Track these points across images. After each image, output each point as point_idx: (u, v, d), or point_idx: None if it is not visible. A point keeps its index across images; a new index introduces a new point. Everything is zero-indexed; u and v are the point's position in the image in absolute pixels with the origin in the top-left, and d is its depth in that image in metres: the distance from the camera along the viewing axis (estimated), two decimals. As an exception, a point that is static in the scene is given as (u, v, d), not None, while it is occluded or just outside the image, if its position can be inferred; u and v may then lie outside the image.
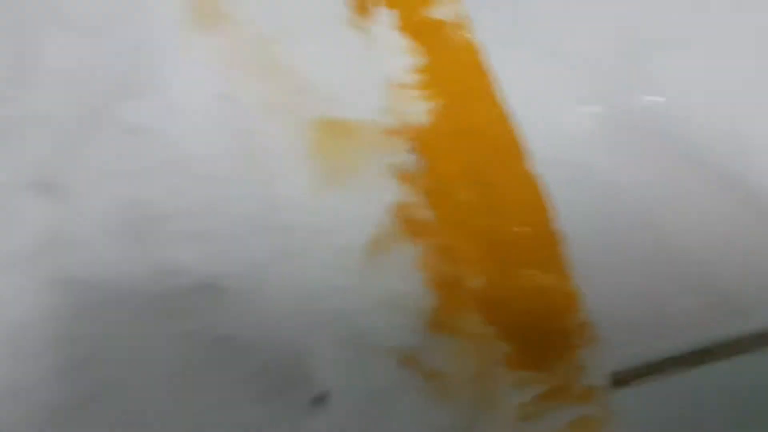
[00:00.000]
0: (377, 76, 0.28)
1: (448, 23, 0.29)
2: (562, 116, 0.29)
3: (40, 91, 0.27)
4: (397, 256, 0.26)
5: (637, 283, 0.27)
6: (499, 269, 0.26)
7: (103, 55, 0.28)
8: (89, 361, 0.24)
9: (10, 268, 0.24)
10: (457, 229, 0.27)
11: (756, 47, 0.29)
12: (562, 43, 0.30)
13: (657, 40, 0.29)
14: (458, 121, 0.28)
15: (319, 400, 0.24)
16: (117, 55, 0.28)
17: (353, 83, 0.28)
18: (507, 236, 0.27)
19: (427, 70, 0.29)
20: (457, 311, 0.26)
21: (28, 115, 0.26)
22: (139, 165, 0.26)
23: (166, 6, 0.29)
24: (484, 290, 0.26)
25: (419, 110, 0.28)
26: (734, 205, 0.28)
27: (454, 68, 0.29)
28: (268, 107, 0.28)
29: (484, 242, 0.27)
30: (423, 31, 0.29)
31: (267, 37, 0.29)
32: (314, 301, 0.25)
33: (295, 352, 0.25)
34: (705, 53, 0.29)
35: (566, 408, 0.25)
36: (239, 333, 0.25)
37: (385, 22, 0.29)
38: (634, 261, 0.27)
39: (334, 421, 0.24)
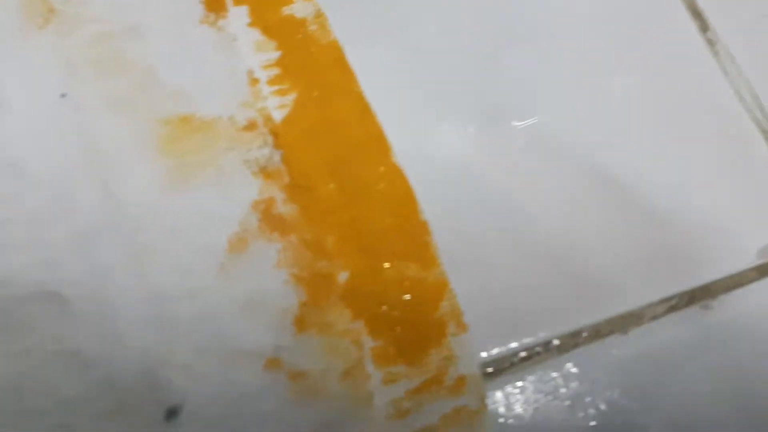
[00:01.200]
0: (232, 73, 0.27)
1: (305, 19, 0.29)
2: (423, 110, 0.29)
3: None
4: (259, 254, 0.25)
5: (504, 272, 0.27)
6: (366, 262, 0.25)
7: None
8: None
9: None
10: (320, 223, 0.26)
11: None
12: (423, 42, 0.30)
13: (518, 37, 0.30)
14: (318, 114, 0.27)
15: (174, 413, 0.22)
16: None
17: (207, 79, 0.27)
18: (373, 228, 0.26)
19: (283, 65, 0.28)
20: (324, 307, 0.25)
21: None
22: (-34, 169, 0.24)
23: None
24: (351, 284, 0.25)
25: (275, 105, 0.27)
26: (597, 195, 0.28)
27: (311, 63, 0.28)
28: (113, 105, 0.26)
29: (350, 235, 0.26)
30: (279, 27, 0.29)
31: (113, 35, 0.27)
32: (168, 306, 0.23)
33: (148, 363, 0.23)
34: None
35: (440, 400, 0.24)
36: (85, 345, 0.23)
37: (239, 19, 0.28)
38: (500, 250, 0.27)
39: (192, 432, 0.22)
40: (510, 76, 0.29)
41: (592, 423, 0.26)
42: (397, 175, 0.27)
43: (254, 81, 0.27)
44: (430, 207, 0.27)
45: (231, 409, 0.23)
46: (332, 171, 0.27)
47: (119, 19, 0.28)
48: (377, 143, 0.27)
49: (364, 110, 0.28)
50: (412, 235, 0.26)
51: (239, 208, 0.25)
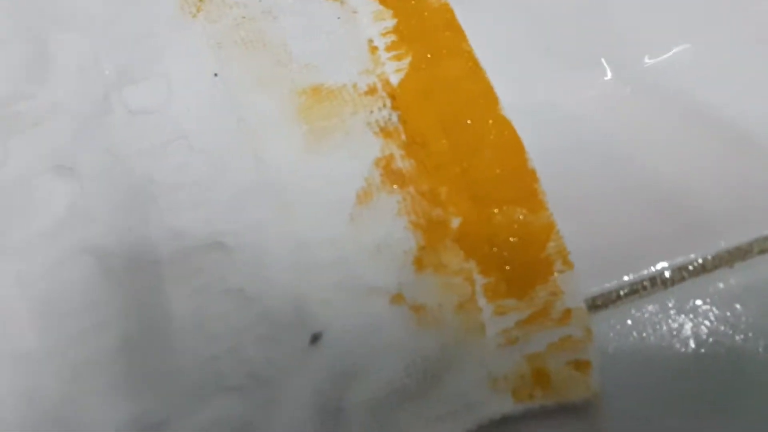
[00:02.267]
0: (354, 43, 0.31)
1: (418, -14, 0.31)
2: (528, 62, 0.31)
3: (53, 85, 0.30)
4: (382, 205, 0.29)
5: (609, 212, 0.29)
6: (477, 209, 0.28)
7: (106, 49, 0.31)
8: (115, 322, 0.28)
9: (38, 243, 0.28)
10: (434, 175, 0.29)
11: None
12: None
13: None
14: (431, 75, 0.30)
15: (316, 338, 0.27)
16: (118, 48, 0.31)
17: (333, 51, 0.31)
18: (483, 178, 0.29)
19: (399, 32, 0.31)
20: (440, 250, 0.28)
21: (45, 107, 0.30)
22: (145, 144, 0.29)
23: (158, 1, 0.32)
24: (463, 229, 0.28)
25: (393, 69, 0.30)
26: (699, 135, 0.29)
27: (424, 27, 0.31)
28: (256, 81, 0.30)
29: (461, 186, 0.29)
30: (394, -5, 0.31)
31: (253, 18, 0.32)
32: (309, 252, 0.28)
33: (295, 298, 0.27)
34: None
35: (547, 330, 0.27)
36: (245, 284, 0.28)
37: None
38: (606, 192, 0.29)
39: (330, 356, 0.27)
40: (614, 24, 0.30)
41: (697, 355, 0.27)
42: (505, 127, 0.30)
43: (374, 49, 0.31)
44: (537, 154, 0.29)
45: (362, 336, 0.27)
46: (445, 127, 0.29)
47: (257, 3, 0.32)
48: (486, 98, 0.30)
49: (474, 67, 0.30)
50: (520, 182, 0.29)
51: (364, 165, 0.29)
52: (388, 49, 0.31)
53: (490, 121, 0.30)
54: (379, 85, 0.30)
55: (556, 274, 0.28)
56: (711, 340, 0.28)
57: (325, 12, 0.31)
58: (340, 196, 0.29)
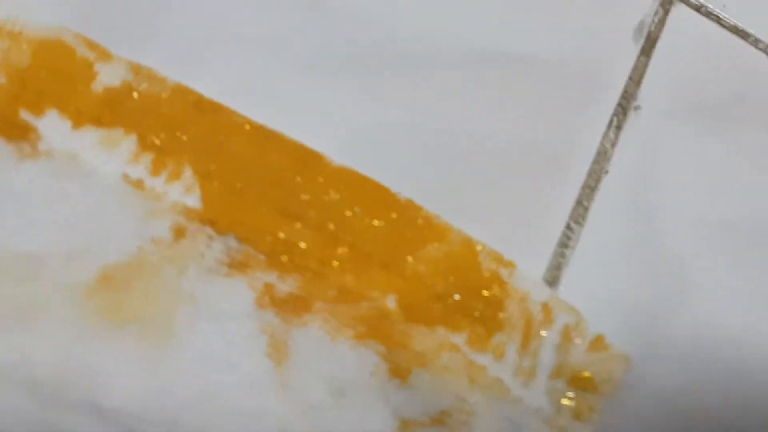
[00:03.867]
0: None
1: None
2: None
3: None
4: (303, 348, 0.21)
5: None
6: (395, 272, 0.23)
7: None
8: None
9: None
10: (325, 272, 0.22)
11: None
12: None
13: None
14: (228, 169, 0.23)
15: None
16: None
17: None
18: (371, 238, 0.23)
19: (148, 146, 0.22)
20: (403, 341, 0.22)
21: None
22: None
23: None
24: (402, 302, 0.22)
25: (180, 192, 0.22)
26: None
27: (173, 122, 0.23)
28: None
29: (362, 261, 0.23)
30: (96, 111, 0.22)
31: None
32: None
33: None
34: None
35: (544, 337, 0.23)
36: None
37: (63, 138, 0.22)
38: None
39: None
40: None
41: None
42: (342, 175, 0.24)
43: (137, 183, 0.22)
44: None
45: None
46: (288, 214, 0.23)
47: None
48: (304, 158, 0.24)
49: (257, 133, 0.24)
50: (406, 224, 0.24)
51: (248, 323, 0.21)
52: (152, 172, 0.22)
53: (321, 179, 0.24)
54: (183, 222, 0.21)
55: (508, 281, 0.24)
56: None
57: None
58: (255, 372, 0.20)
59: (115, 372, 0.19)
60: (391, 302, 0.22)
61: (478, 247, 0.24)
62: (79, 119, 0.22)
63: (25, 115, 0.22)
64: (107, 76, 0.23)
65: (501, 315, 0.23)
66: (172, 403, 0.19)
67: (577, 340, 0.24)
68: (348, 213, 0.23)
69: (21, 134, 0.21)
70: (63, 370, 0.18)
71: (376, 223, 0.23)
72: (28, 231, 0.20)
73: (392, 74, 0.26)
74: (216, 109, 0.23)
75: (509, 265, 0.24)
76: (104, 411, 0.19)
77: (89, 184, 0.21)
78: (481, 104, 0.26)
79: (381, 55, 0.26)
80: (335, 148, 0.24)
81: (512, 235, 0.25)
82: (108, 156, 0.22)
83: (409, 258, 0.23)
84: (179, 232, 0.21)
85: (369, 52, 0.25)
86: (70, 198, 0.21)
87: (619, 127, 0.27)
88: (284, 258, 0.22)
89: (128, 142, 0.22)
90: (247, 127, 0.23)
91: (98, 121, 0.22)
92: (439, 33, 0.26)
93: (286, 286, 0.22)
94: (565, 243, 0.26)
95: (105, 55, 0.23)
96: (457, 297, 0.23)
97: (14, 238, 0.20)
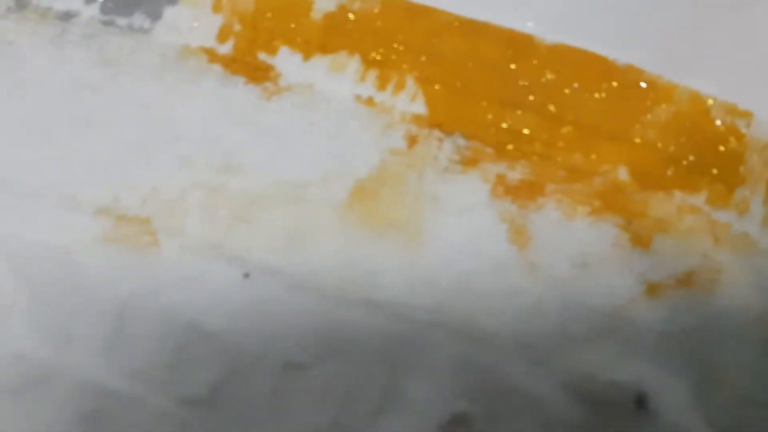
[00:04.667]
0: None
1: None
2: None
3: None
4: (545, 222, 0.22)
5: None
6: (619, 139, 0.23)
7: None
8: None
9: None
10: (551, 151, 0.23)
11: None
12: None
13: None
14: (439, 69, 0.24)
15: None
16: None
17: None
18: (585, 107, 0.23)
19: (373, 62, 0.24)
20: (642, 208, 0.22)
21: None
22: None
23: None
24: (632, 168, 0.23)
25: (406, 100, 0.23)
26: None
27: (378, 38, 0.24)
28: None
29: (581, 133, 0.23)
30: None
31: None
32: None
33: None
34: None
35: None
36: None
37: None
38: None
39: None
40: None
41: None
42: (561, 54, 0.24)
43: (368, 101, 0.24)
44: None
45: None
46: (504, 103, 0.23)
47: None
48: (515, 44, 0.24)
49: (473, 29, 0.24)
50: (628, 90, 0.23)
51: (487, 213, 0.22)
52: (380, 86, 0.24)
53: (535, 62, 0.24)
54: (414, 129, 0.23)
55: (746, 132, 0.23)
56: None
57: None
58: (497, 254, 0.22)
59: (383, 270, 0.22)
60: (623, 173, 0.23)
61: (709, 102, 0.23)
62: (307, 50, 0.24)
63: (263, 56, 0.24)
64: (322, 3, 0.25)
65: (741, 168, 0.23)
66: (433, 290, 0.22)
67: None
68: (567, 91, 0.24)
69: (264, 75, 0.24)
70: (341, 274, 0.22)
71: (597, 95, 0.24)
72: (288, 161, 0.23)
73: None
74: (424, 12, 0.24)
75: (745, 114, 0.23)
76: (377, 303, 0.22)
77: (328, 109, 0.23)
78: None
79: None
80: (543, 27, 0.24)
81: (744, 82, 0.24)
82: (339, 80, 0.24)
83: (637, 125, 0.23)
84: (412, 140, 0.23)
85: None
86: (316, 126, 0.23)
87: None
88: (510, 147, 0.23)
89: (353, 63, 0.24)
90: (456, 23, 0.24)
91: (324, 48, 0.24)
92: None
93: (517, 173, 0.23)
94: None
95: (317, -18, 0.25)
96: (691, 158, 0.23)
97: (277, 169, 0.23)
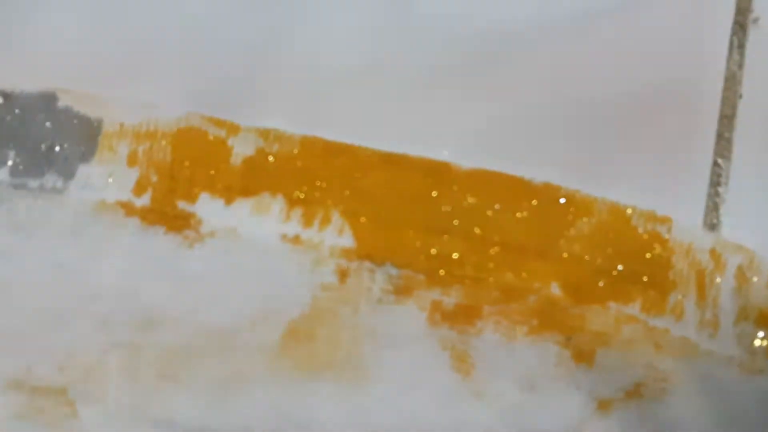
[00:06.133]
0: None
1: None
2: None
3: None
4: (490, 358, 0.22)
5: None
6: (552, 257, 0.23)
7: None
8: None
9: None
10: (484, 281, 0.23)
11: None
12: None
13: None
14: (368, 206, 0.24)
15: None
16: None
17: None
18: (516, 232, 0.23)
19: (295, 201, 0.24)
20: (581, 318, 0.22)
21: None
22: None
23: None
24: (565, 288, 0.23)
25: (333, 235, 0.23)
26: None
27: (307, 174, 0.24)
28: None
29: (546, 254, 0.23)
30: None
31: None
32: None
33: None
34: None
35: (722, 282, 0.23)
36: None
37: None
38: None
39: None
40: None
41: None
42: (480, 178, 0.24)
43: (294, 239, 0.23)
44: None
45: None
46: (430, 230, 0.23)
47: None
48: (434, 172, 0.24)
49: (393, 162, 0.25)
50: (548, 207, 0.24)
51: (427, 342, 0.22)
52: (305, 225, 0.23)
53: (455, 187, 0.24)
54: (344, 263, 0.23)
55: (668, 237, 0.23)
56: None
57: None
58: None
59: (321, 419, 0.21)
60: (555, 289, 0.23)
61: (628, 211, 0.24)
62: (229, 195, 0.24)
63: (182, 204, 0.24)
64: (241, 147, 0.25)
65: (670, 273, 0.23)
66: (379, 429, 0.21)
67: (754, 278, 0.23)
68: (489, 213, 0.24)
69: (184, 223, 0.23)
70: (276, 427, 0.20)
71: (519, 215, 0.24)
72: (214, 308, 0.22)
73: (490, 67, 0.26)
74: (343, 149, 0.25)
75: (665, 220, 0.24)
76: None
77: (254, 252, 0.23)
78: (592, 63, 0.26)
79: (474, 54, 0.26)
80: (459, 154, 0.25)
81: (659, 189, 0.24)
82: (263, 221, 0.23)
83: (562, 240, 0.23)
84: (343, 273, 0.23)
85: (461, 56, 0.26)
86: (242, 269, 0.23)
87: (741, 46, 0.26)
88: (442, 272, 0.23)
89: (277, 203, 0.24)
90: (375, 158, 0.24)
91: (246, 191, 0.24)
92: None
93: (452, 298, 0.22)
94: (716, 181, 0.25)
95: (234, 129, 0.25)
96: (620, 267, 0.23)
97: (203, 316, 0.22)
